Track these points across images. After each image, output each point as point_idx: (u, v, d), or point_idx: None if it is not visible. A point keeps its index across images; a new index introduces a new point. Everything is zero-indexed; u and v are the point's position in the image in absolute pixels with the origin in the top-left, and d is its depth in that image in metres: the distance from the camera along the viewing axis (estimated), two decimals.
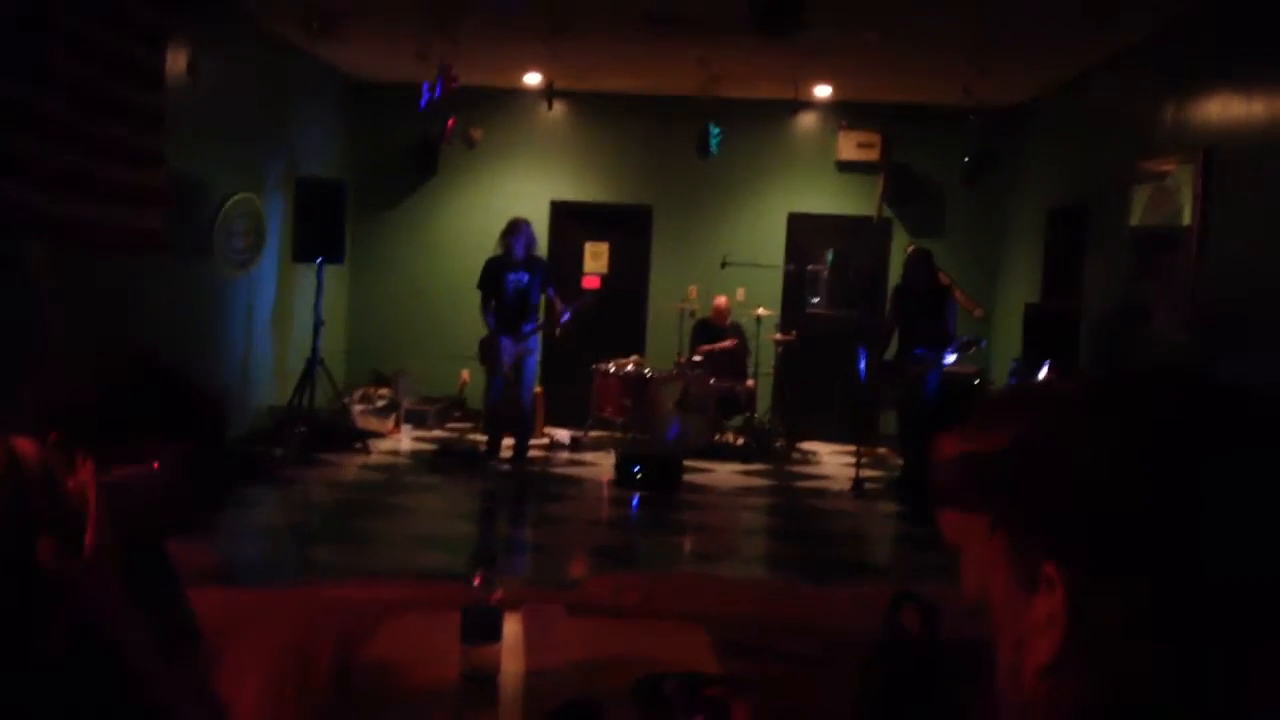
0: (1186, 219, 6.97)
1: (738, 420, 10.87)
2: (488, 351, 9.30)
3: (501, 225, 9.39)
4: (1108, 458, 0.89)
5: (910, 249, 9.70)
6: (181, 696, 1.66)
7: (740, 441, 10.69)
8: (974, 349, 9.31)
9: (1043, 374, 8.35)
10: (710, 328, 10.99)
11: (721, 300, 11.03)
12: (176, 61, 7.68)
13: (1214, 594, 0.86)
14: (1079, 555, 0.89)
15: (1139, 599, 0.87)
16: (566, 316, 9.42)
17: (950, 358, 8.88)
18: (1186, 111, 7.26)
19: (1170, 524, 0.86)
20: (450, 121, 10.18)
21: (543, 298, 9.44)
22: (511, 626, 2.57)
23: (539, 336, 9.48)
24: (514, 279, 9.18)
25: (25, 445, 1.33)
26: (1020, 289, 10.51)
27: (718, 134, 10.26)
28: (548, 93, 9.81)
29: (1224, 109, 6.77)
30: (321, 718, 2.78)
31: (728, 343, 10.86)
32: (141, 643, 1.55)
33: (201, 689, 1.82)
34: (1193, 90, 7.17)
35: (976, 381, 10.36)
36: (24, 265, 6.01)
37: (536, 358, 9.48)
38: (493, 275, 9.25)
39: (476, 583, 2.50)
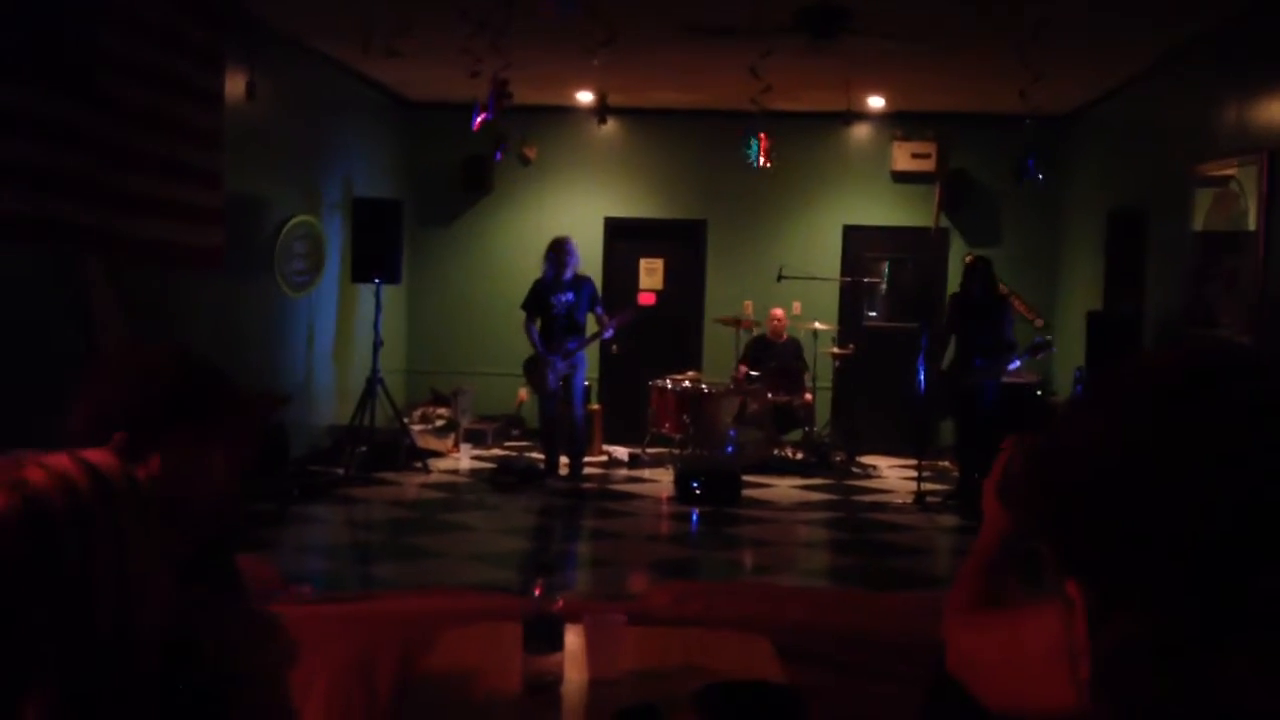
0: (1252, 224, 6.84)
1: (796, 434, 10.80)
2: (534, 371, 9.33)
3: None
4: (1106, 469, 0.85)
5: (968, 258, 9.60)
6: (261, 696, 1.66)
7: (799, 456, 10.63)
8: (1043, 354, 9.14)
9: None
10: (766, 343, 10.93)
11: (779, 313, 10.96)
12: (235, 84, 7.79)
13: (1225, 610, 0.81)
14: (1089, 572, 0.85)
15: (1143, 624, 0.83)
16: (610, 334, 9.41)
17: (1016, 365, 8.74)
18: (1248, 112, 7.13)
19: (1170, 532, 0.81)
20: (499, 145, 10.21)
21: (590, 316, 9.43)
22: (573, 637, 2.57)
23: (584, 353, 9.48)
24: (562, 299, 9.20)
25: (99, 456, 1.28)
26: (1081, 295, 10.36)
27: (755, 144, 10.21)
28: (600, 109, 9.83)
29: None
30: None
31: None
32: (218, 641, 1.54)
33: (283, 693, 1.82)
34: (1254, 90, 7.03)
35: (1038, 392, 10.23)
36: (82, 285, 6.09)
37: (584, 372, 9.50)
38: (540, 296, 9.28)
39: (537, 593, 2.49)
